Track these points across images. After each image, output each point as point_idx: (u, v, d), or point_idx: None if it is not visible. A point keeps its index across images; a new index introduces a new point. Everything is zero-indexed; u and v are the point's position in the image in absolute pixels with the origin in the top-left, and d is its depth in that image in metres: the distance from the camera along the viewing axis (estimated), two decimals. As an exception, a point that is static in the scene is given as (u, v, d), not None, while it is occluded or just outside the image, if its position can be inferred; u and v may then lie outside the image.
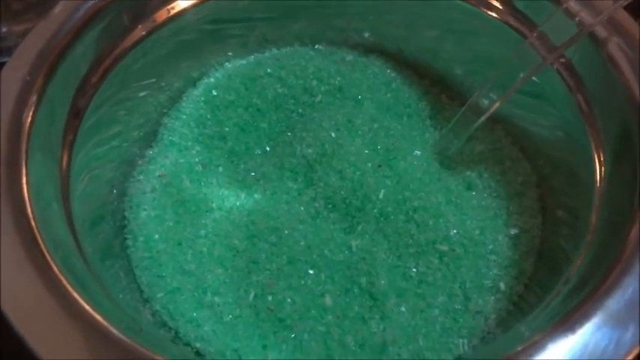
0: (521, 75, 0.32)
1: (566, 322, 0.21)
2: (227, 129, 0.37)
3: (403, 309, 0.29)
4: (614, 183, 0.27)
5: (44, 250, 0.24)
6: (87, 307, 0.23)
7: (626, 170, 0.26)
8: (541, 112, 0.35)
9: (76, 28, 0.30)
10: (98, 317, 0.22)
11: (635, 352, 0.21)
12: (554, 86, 0.32)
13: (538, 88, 0.34)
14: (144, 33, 0.35)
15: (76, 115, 0.30)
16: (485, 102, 0.34)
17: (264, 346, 0.28)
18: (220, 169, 0.36)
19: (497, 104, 0.33)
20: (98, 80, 0.32)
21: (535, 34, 0.32)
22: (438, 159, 0.37)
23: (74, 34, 0.30)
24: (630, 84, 0.28)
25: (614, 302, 0.22)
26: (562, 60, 0.31)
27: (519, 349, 0.21)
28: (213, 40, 0.39)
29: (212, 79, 0.39)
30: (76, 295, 0.23)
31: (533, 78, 0.32)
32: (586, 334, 0.21)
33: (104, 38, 0.32)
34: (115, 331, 0.22)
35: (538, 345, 0.21)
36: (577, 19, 0.30)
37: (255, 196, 0.34)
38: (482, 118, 0.34)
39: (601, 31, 0.30)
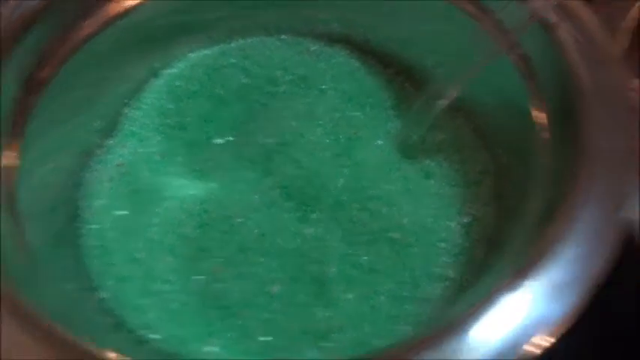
0: (476, 61, 0.32)
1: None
2: (188, 119, 0.37)
3: (350, 296, 0.29)
4: (558, 171, 0.27)
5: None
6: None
7: (569, 156, 0.26)
8: (499, 100, 0.35)
9: (26, 18, 0.30)
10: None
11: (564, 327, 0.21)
12: (510, 73, 0.32)
13: (495, 75, 0.33)
14: (103, 22, 0.35)
15: (26, 105, 0.30)
16: (443, 90, 0.34)
17: (210, 333, 0.28)
18: (179, 158, 0.36)
19: (453, 92, 0.33)
20: (52, 71, 0.32)
21: (490, 20, 0.32)
22: (400, 148, 0.36)
23: (25, 22, 0.30)
24: (577, 69, 0.28)
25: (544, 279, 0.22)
26: (516, 46, 0.31)
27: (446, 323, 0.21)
28: (177, 31, 0.39)
29: (175, 70, 0.39)
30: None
31: (490, 65, 0.32)
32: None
33: (58, 27, 0.32)
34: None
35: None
36: (529, 4, 0.30)
37: (211, 185, 0.34)
38: (439, 107, 0.34)
39: (552, 16, 0.30)
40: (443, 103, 0.34)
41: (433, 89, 0.34)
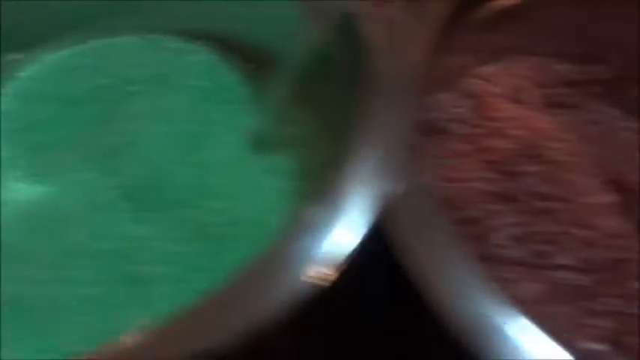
0: (301, 50, 0.32)
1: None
2: (37, 122, 0.37)
3: (166, 295, 0.29)
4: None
5: None
6: None
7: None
8: (339, 92, 0.34)
9: None
10: None
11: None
12: (335, 62, 0.32)
13: (328, 67, 0.33)
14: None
15: None
16: (284, 82, 0.34)
17: (17, 340, 0.28)
18: (21, 162, 0.35)
19: (288, 83, 0.33)
20: None
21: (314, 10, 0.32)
22: (253, 144, 0.36)
23: None
24: (377, 59, 0.28)
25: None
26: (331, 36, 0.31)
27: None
28: (29, 33, 0.38)
29: (27, 73, 0.38)
30: None
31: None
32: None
33: None
34: None
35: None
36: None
37: (50, 188, 0.34)
38: (283, 100, 0.34)
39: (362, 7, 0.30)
40: (284, 96, 0.34)
41: (276, 83, 0.34)
